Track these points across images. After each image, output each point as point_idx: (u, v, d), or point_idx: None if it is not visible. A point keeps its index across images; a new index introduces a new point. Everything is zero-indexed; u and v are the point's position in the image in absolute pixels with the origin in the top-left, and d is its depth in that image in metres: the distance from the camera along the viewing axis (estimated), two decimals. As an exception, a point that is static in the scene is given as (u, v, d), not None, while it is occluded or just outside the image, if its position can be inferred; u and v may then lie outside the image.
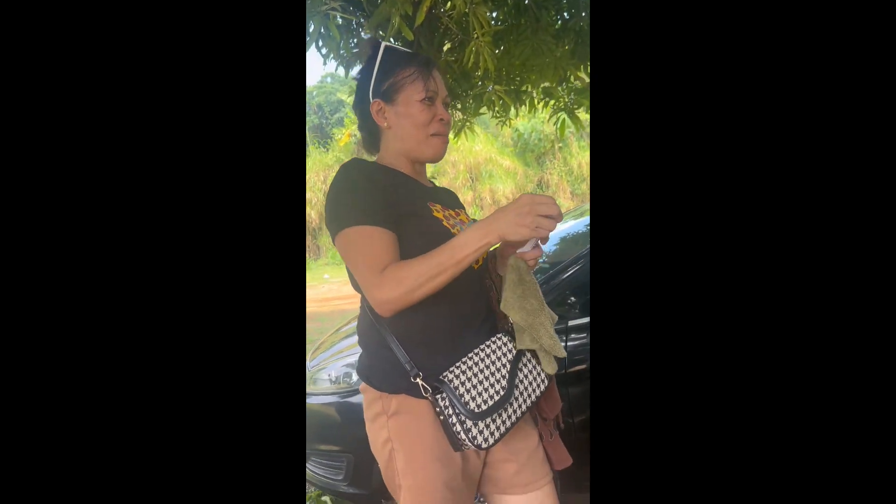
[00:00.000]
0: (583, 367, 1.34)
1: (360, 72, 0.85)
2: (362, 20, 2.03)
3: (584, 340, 1.37)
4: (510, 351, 0.78)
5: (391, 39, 1.94)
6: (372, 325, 0.80)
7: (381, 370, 0.80)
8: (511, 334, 0.80)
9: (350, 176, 0.76)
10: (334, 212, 0.75)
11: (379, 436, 0.80)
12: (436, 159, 0.84)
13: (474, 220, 0.84)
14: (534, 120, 10.53)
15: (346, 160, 0.82)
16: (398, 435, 0.77)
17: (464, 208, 0.95)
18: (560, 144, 10.75)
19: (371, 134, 0.86)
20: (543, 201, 0.66)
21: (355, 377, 1.63)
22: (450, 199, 0.92)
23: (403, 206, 0.76)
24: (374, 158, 0.88)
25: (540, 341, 0.77)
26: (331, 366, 1.72)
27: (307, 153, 11.95)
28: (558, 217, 0.66)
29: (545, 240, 0.74)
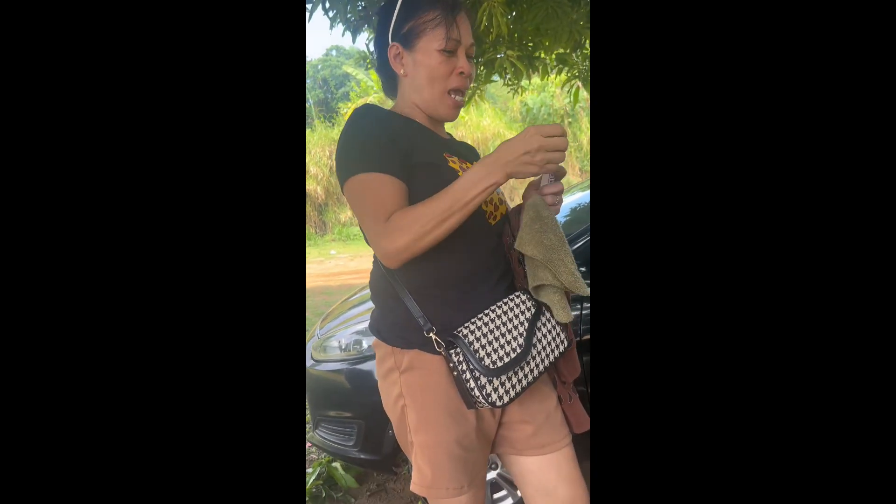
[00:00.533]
0: (594, 335, 1.33)
1: (381, 8, 0.79)
2: (371, -19, 1.96)
3: (596, 309, 1.35)
4: (529, 309, 0.76)
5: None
6: (384, 279, 0.78)
7: (393, 325, 0.78)
8: (530, 295, 0.78)
9: (360, 122, 0.72)
10: (342, 160, 0.72)
11: (391, 392, 0.79)
12: (449, 119, 0.80)
13: None
14: (543, 94, 10.32)
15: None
16: (410, 391, 0.76)
17: None
18: (569, 119, 10.57)
19: (389, 78, 0.81)
20: (551, 132, 0.63)
21: (365, 344, 1.64)
22: (468, 153, 0.88)
23: (417, 155, 0.72)
24: (391, 105, 0.84)
25: (560, 278, 0.72)
26: (340, 333, 1.73)
27: (312, 128, 11.83)
28: (565, 148, 0.63)
29: (561, 174, 0.71)
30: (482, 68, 2.07)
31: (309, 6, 1.92)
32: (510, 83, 2.22)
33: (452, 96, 0.77)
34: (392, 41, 0.77)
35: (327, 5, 1.92)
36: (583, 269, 1.42)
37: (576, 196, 2.14)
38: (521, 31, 1.89)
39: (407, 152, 0.71)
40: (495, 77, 2.17)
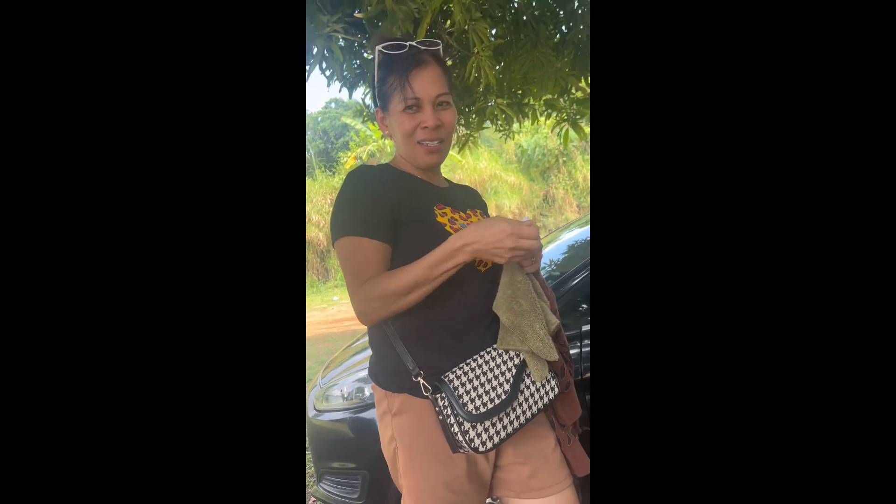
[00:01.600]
0: (597, 373, 1.32)
1: (371, 76, 0.87)
2: (364, 41, 2.08)
3: (597, 346, 1.35)
4: (517, 355, 0.78)
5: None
6: (378, 324, 0.80)
7: (385, 369, 0.81)
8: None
9: (351, 185, 0.78)
10: (333, 220, 0.78)
11: (385, 434, 0.81)
12: (428, 166, 0.84)
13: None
14: (537, 135, 10.61)
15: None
16: (400, 433, 0.78)
17: (484, 206, 0.95)
18: (564, 158, 10.81)
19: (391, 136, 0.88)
20: (525, 233, 0.67)
21: (367, 392, 1.62)
22: (465, 199, 0.91)
23: (404, 213, 0.77)
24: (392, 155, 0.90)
25: (528, 343, 0.75)
26: (342, 381, 1.71)
27: (314, 177, 12.11)
28: (536, 248, 0.68)
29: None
30: (474, 116, 2.15)
31: (308, 65, 2.02)
32: (502, 129, 2.30)
33: (424, 145, 0.81)
34: (376, 106, 0.86)
35: (324, 65, 2.03)
36: (584, 305, 1.43)
37: (573, 233, 2.17)
38: (509, 80, 1.98)
39: (394, 211, 0.76)
40: (487, 123, 2.25)
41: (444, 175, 0.93)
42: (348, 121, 11.23)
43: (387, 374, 0.81)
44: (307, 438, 1.81)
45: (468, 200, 0.92)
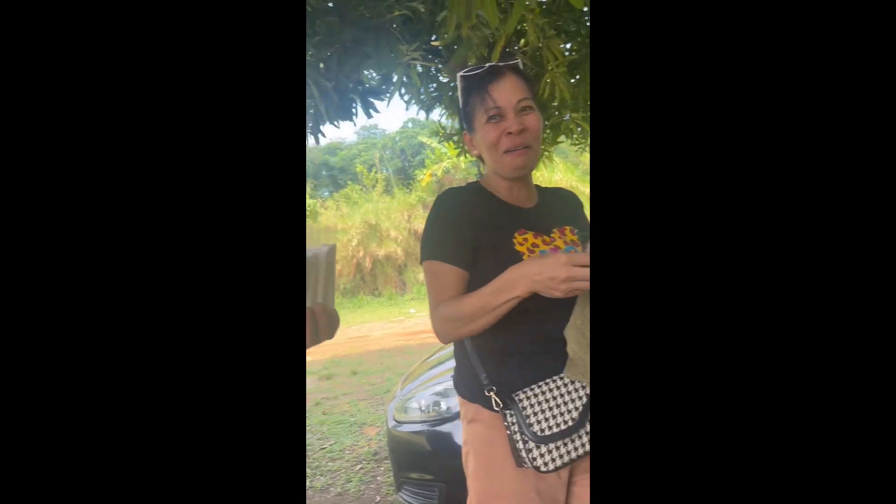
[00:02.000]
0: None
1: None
2: (440, 65, 2.17)
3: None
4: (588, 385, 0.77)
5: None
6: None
7: (463, 377, 0.85)
8: None
9: (437, 209, 0.82)
10: (422, 243, 0.83)
11: (462, 438, 0.86)
12: (517, 175, 0.83)
13: (573, 244, 0.84)
14: (615, 145, 10.18)
15: (429, 198, 0.87)
16: (472, 440, 0.82)
17: (577, 213, 0.92)
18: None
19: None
20: (580, 261, 0.66)
21: (444, 406, 1.65)
22: (554, 214, 0.89)
23: (483, 240, 0.79)
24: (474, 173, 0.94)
25: (587, 377, 0.74)
26: (419, 394, 1.76)
27: (392, 194, 12.59)
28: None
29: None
30: (548, 131, 2.15)
31: (388, 94, 2.15)
32: (577, 142, 2.27)
33: (510, 153, 0.81)
34: (463, 131, 0.88)
35: (402, 91, 2.15)
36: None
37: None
38: (583, 94, 1.96)
39: (473, 238, 0.78)
40: (562, 137, 2.23)
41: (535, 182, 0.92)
42: (424, 139, 11.59)
43: (464, 383, 0.85)
44: (388, 448, 1.87)
45: (558, 214, 0.89)
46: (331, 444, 2.84)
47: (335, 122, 2.14)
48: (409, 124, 18.04)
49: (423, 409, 1.71)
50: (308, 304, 0.55)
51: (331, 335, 0.57)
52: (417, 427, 1.69)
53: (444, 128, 2.97)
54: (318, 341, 0.57)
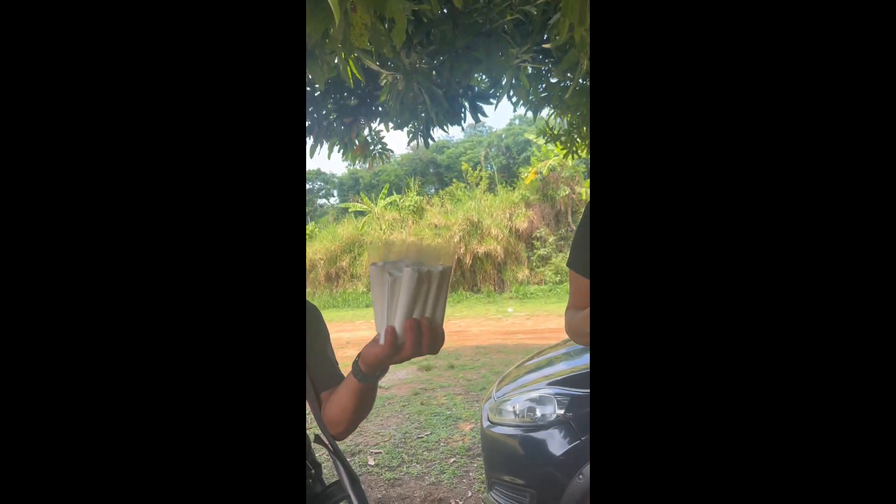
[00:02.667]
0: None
1: None
2: (551, 66, 2.13)
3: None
4: None
5: (580, 80, 1.98)
6: None
7: None
8: None
9: (583, 218, 0.88)
10: (570, 247, 0.91)
11: None
12: None
13: None
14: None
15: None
16: None
17: None
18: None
19: None
20: None
21: (539, 412, 1.64)
22: None
23: None
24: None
25: None
26: (515, 398, 1.77)
27: (496, 192, 12.62)
28: None
29: None
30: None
31: (496, 97, 2.17)
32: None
33: None
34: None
35: (511, 93, 2.15)
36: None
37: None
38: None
39: None
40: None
41: None
42: (531, 136, 11.42)
43: None
44: (482, 446, 1.91)
45: None
46: (427, 435, 2.97)
47: (444, 127, 2.22)
48: (517, 121, 17.89)
49: (517, 413, 1.71)
50: (415, 315, 0.58)
51: (434, 350, 0.59)
52: (511, 430, 1.70)
53: (551, 129, 2.90)
54: (419, 353, 0.59)
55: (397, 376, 4.37)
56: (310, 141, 2.95)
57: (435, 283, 0.58)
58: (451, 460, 2.59)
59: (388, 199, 13.41)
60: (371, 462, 2.65)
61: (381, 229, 12.38)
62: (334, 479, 0.79)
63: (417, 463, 2.59)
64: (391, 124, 2.79)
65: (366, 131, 3.12)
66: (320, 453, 0.83)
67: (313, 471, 0.79)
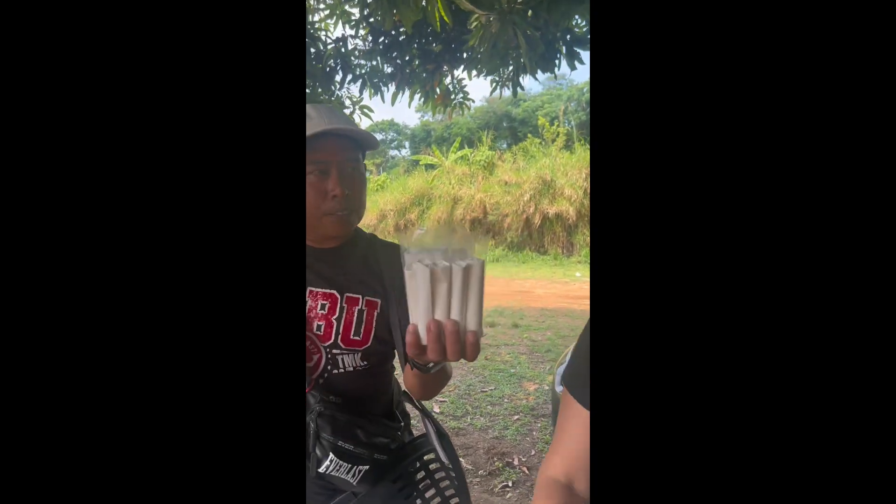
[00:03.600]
0: None
1: None
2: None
3: None
4: None
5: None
6: None
7: None
8: None
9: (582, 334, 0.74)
10: None
11: None
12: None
13: None
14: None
15: None
16: None
17: None
18: None
19: None
20: None
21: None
22: None
23: None
24: None
25: None
26: (592, 366, 1.71)
27: (573, 150, 12.03)
28: None
29: None
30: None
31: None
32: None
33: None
34: None
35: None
36: None
37: None
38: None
39: None
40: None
41: None
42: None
43: None
44: (552, 409, 1.89)
45: None
46: (491, 390, 3.01)
47: (535, 75, 2.08)
48: (600, 74, 16.66)
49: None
50: (437, 315, 0.49)
51: (464, 357, 0.50)
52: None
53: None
54: (444, 359, 0.50)
55: (462, 330, 4.44)
56: (392, 88, 2.91)
57: (458, 281, 0.49)
58: (515, 417, 2.61)
59: (460, 153, 13.25)
60: (436, 409, 2.74)
61: (450, 184, 12.34)
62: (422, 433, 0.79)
63: (481, 416, 2.64)
64: (474, 72, 2.67)
65: (447, 79, 3.02)
66: (411, 406, 0.83)
67: (402, 423, 0.79)
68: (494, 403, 2.80)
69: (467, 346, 0.50)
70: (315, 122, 0.69)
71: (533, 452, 2.23)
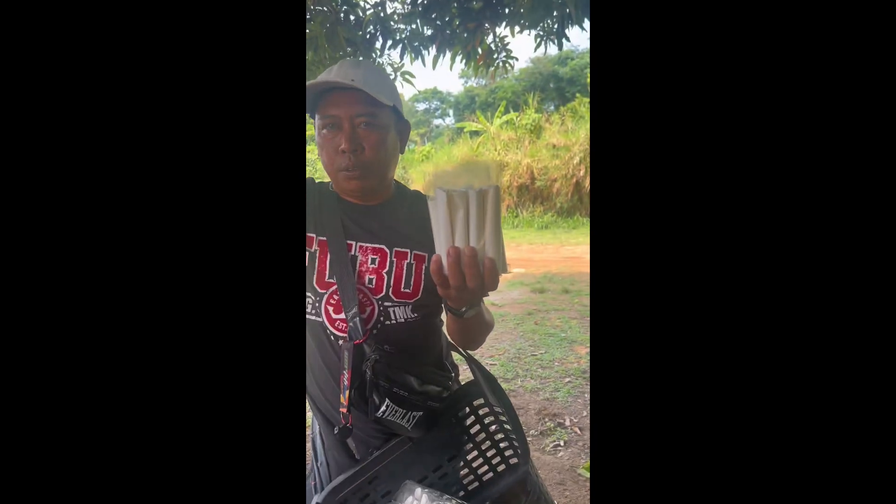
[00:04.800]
0: None
1: None
2: None
3: None
4: None
5: None
6: None
7: None
8: None
9: None
10: None
11: None
12: None
13: None
14: None
15: None
16: None
17: None
18: None
19: None
20: None
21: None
22: None
23: None
24: None
25: None
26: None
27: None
28: None
29: None
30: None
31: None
32: None
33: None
34: None
35: None
36: None
37: None
38: None
39: None
40: None
41: None
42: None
43: None
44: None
45: None
46: (542, 353, 3.01)
47: (582, 24, 1.96)
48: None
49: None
50: (457, 243, 0.51)
51: (485, 285, 0.51)
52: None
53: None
54: (464, 286, 0.51)
55: (510, 296, 4.44)
56: (432, 51, 2.84)
57: (474, 207, 0.50)
58: (566, 380, 2.61)
59: (505, 118, 12.90)
60: (486, 372, 2.79)
61: (496, 150, 12.10)
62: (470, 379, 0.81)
63: (532, 378, 2.66)
64: (517, 27, 2.55)
65: (489, 38, 2.92)
66: (457, 357, 0.85)
67: (452, 373, 0.81)
68: (545, 367, 2.81)
69: (486, 273, 0.51)
70: (324, 75, 0.70)
71: (585, 413, 2.23)
